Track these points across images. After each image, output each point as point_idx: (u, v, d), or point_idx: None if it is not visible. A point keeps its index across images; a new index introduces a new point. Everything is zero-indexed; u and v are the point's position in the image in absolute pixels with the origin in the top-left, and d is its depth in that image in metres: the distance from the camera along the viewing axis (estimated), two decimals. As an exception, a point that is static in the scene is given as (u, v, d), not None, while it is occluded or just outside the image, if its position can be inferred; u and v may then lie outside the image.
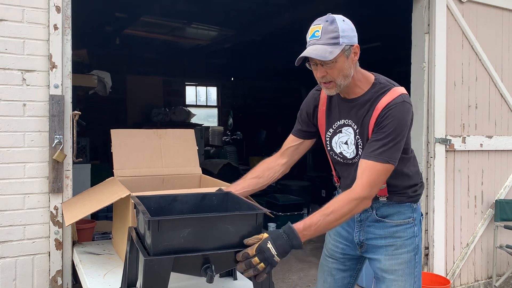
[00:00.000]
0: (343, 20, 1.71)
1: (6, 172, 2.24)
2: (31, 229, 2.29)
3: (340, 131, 1.89)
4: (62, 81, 2.31)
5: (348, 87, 1.80)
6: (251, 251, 1.53)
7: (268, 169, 2.04)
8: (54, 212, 2.32)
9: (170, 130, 2.69)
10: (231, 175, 7.47)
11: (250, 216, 1.62)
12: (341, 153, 1.91)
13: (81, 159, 2.52)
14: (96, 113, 7.66)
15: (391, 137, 1.69)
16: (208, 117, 10.22)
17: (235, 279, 1.97)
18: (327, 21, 1.69)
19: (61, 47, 2.31)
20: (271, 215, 2.53)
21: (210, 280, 1.52)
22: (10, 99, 2.24)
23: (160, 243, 1.48)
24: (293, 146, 2.04)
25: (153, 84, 8.99)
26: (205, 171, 7.80)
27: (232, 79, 10.09)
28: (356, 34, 1.75)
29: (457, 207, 3.71)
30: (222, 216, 1.59)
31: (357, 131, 1.83)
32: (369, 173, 1.70)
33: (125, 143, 2.52)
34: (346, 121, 1.87)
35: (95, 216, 4.19)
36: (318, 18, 1.74)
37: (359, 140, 1.83)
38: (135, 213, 1.75)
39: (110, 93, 5.85)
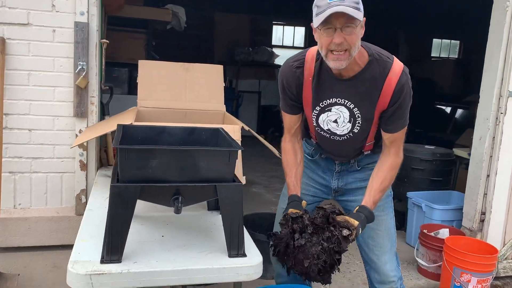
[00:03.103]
0: None
1: (38, 94, 2.40)
2: (59, 149, 2.47)
3: (329, 110, 1.84)
4: (88, 9, 2.36)
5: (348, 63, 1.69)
6: (352, 237, 1.69)
7: (298, 155, 2.01)
8: (79, 135, 2.46)
9: (198, 64, 2.66)
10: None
11: (222, 153, 1.56)
12: (329, 129, 1.89)
13: (108, 87, 2.61)
14: (177, 49, 7.82)
15: (408, 109, 1.80)
16: (293, 59, 9.98)
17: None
18: None
19: (88, -26, 2.34)
20: (278, 155, 2.44)
21: (177, 211, 1.52)
22: (41, 25, 2.35)
23: (128, 171, 1.49)
24: (298, 123, 1.98)
25: (240, 22, 8.93)
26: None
27: (322, 19, 9.62)
28: None
29: (527, 172, 3.25)
30: (191, 150, 1.55)
31: (354, 109, 1.80)
32: (400, 141, 1.85)
33: (151, 74, 2.55)
34: (339, 100, 1.81)
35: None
36: None
37: (358, 118, 1.81)
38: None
39: (194, 29, 5.92)
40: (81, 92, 2.39)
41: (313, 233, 1.68)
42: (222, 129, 1.91)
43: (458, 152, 4.17)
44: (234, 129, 2.11)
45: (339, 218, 1.72)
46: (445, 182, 4.17)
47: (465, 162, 4.13)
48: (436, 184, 4.09)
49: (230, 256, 1.58)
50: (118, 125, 1.84)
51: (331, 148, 1.98)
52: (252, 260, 1.58)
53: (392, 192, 2.10)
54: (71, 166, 2.50)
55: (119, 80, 4.71)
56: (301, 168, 2.00)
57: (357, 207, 1.82)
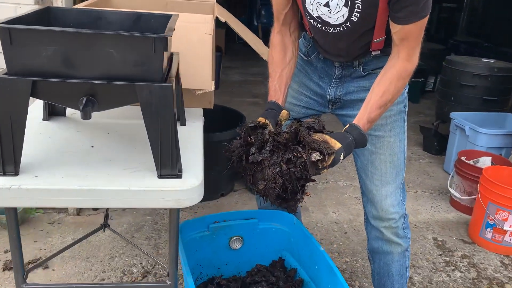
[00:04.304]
0: None
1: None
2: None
3: None
4: None
5: None
6: (326, 164, 1.26)
7: (288, 51, 1.58)
8: (43, 26, 2.14)
9: None
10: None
11: (144, 40, 1.15)
12: (319, 17, 1.43)
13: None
14: None
15: None
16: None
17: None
18: None
19: None
20: (265, 58, 2.01)
21: (84, 117, 1.18)
22: None
23: (16, 61, 1.13)
24: (288, 8, 1.53)
25: None
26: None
27: None
28: None
29: None
30: (99, 34, 1.14)
31: None
32: (415, 40, 1.35)
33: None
34: None
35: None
36: None
37: (357, 1, 1.33)
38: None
39: None
40: (39, -26, 2.02)
41: (273, 150, 1.29)
42: (177, 15, 1.48)
43: (523, 67, 3.46)
44: (204, 19, 1.67)
45: (317, 136, 1.29)
46: (502, 102, 3.52)
47: (531, 80, 3.44)
48: (490, 104, 3.46)
49: (159, 176, 1.25)
50: (50, 7, 1.47)
51: (326, 44, 1.53)
52: (186, 183, 1.23)
53: (406, 107, 1.63)
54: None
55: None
56: (289, 70, 1.55)
57: (347, 125, 1.38)
